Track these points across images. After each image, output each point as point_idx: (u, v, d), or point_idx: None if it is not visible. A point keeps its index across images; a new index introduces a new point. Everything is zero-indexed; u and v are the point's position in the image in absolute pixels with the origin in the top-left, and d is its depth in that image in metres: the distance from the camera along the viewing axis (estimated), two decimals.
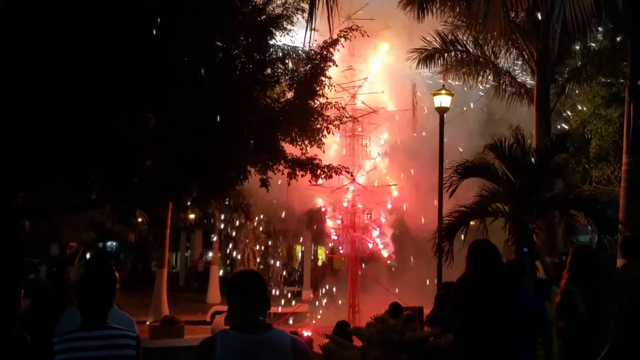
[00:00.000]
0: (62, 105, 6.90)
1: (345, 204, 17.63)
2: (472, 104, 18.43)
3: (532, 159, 9.86)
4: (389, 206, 17.89)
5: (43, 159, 7.14)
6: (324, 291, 19.36)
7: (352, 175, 11.97)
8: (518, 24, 12.95)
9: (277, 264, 24.42)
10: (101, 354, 3.18)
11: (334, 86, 10.51)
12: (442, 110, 13.10)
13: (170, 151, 8.11)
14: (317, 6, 9.24)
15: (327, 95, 10.04)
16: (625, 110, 11.33)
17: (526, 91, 14.72)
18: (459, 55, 14.39)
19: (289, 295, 20.33)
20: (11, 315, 3.26)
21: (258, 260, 21.08)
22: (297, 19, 9.83)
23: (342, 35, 10.44)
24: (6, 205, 7.41)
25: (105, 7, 6.97)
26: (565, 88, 14.71)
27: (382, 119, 17.59)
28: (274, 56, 9.72)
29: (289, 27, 9.70)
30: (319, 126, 9.86)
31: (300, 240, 23.42)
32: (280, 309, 17.71)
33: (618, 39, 13.45)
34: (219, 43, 8.78)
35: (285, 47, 10.26)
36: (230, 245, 22.07)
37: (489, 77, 15.13)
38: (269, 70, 9.44)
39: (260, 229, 20.98)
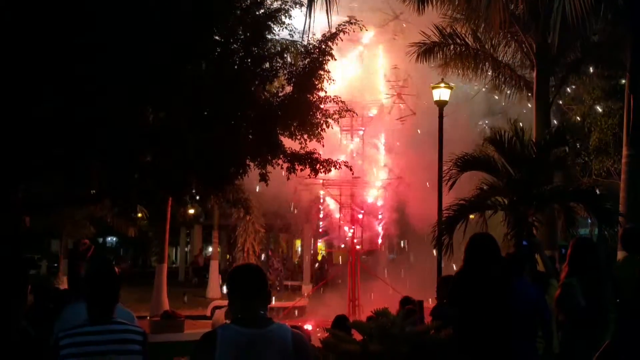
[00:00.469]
0: (62, 94, 6.89)
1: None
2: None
3: (532, 152, 9.83)
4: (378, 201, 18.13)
5: (42, 148, 7.14)
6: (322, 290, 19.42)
7: (351, 170, 11.95)
8: (518, 16, 12.89)
9: (277, 258, 24.46)
10: (107, 349, 3.18)
11: (334, 80, 10.48)
12: (441, 104, 13.03)
13: (169, 146, 8.10)
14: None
15: (326, 90, 10.01)
16: (625, 103, 11.30)
17: (526, 84, 14.68)
18: (458, 49, 14.33)
19: (289, 289, 20.35)
20: (18, 310, 3.27)
21: (257, 253, 21.09)
22: (295, 13, 9.80)
23: (340, 29, 10.39)
24: (5, 199, 7.40)
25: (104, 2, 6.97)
26: (565, 80, 14.66)
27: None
28: (273, 50, 9.69)
29: (287, 21, 9.67)
30: (318, 120, 9.85)
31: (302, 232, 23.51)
32: (273, 302, 17.75)
33: (617, 31, 13.37)
34: (217, 37, 8.75)
35: (284, 41, 10.23)
36: (231, 240, 22.12)
37: (489, 72, 15.08)
38: (267, 65, 9.42)
39: (260, 223, 21.00)
